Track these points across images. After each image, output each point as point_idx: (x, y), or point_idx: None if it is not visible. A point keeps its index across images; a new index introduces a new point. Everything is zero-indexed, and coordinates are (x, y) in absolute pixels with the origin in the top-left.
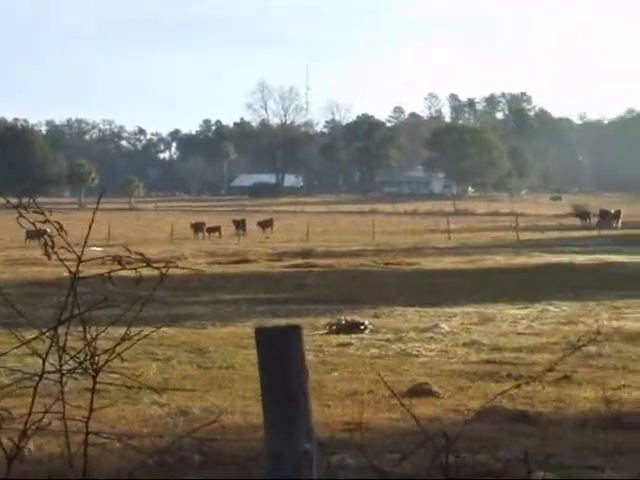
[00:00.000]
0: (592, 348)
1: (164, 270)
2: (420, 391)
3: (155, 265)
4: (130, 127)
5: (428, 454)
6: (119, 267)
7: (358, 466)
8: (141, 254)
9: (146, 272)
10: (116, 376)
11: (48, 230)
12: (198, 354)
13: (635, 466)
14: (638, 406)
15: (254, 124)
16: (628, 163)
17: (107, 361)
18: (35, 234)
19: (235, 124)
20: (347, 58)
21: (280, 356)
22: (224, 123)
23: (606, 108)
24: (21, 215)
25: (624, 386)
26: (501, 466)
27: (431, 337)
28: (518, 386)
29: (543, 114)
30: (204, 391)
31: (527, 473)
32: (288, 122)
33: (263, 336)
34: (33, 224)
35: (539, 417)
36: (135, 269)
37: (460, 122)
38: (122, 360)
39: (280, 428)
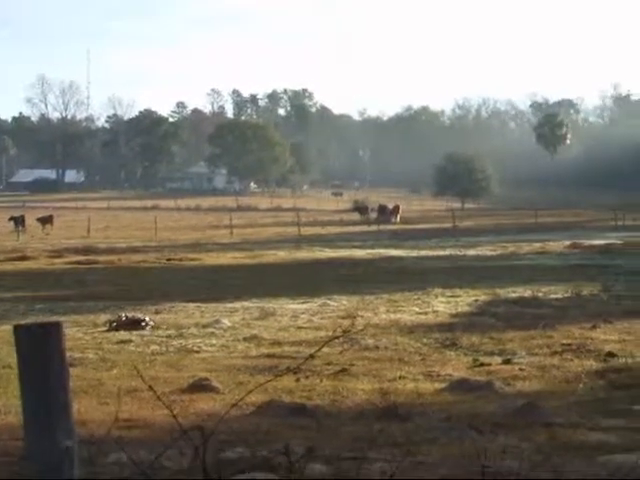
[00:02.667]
0: (370, 341)
1: None
2: (200, 386)
3: None
4: None
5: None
6: None
7: (125, 463)
8: None
9: None
10: None
11: None
12: None
13: (410, 457)
14: (413, 397)
15: (34, 119)
16: (406, 159)
17: None
18: None
19: (14, 118)
20: (130, 53)
21: (39, 353)
22: (2, 117)
23: (385, 105)
24: None
25: (400, 377)
26: (264, 460)
27: (212, 332)
28: (298, 380)
29: (324, 110)
30: None
31: (289, 465)
32: (69, 117)
33: (22, 333)
34: None
35: (317, 410)
36: None
37: (243, 118)
38: None
39: (39, 426)
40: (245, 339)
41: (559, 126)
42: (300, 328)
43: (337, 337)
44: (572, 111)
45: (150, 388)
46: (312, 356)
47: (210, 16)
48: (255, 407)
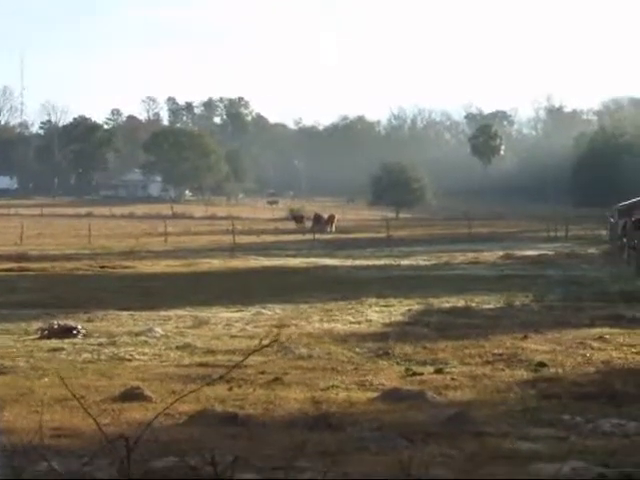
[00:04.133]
0: (303, 350)
1: None
2: (132, 395)
3: None
4: None
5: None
6: None
7: (54, 471)
8: None
9: None
10: None
11: None
12: None
13: (339, 466)
14: (345, 406)
15: None
16: (342, 169)
17: None
18: None
19: None
20: (64, 59)
21: None
22: None
23: (321, 114)
24: None
25: (333, 387)
26: (191, 469)
27: (145, 341)
28: (230, 388)
29: (260, 119)
30: None
31: (216, 475)
32: (2, 123)
33: None
34: None
35: (249, 419)
36: None
37: (178, 126)
38: None
39: None
40: (178, 348)
41: (493, 137)
42: (234, 337)
43: (263, 347)
44: (506, 122)
45: (75, 397)
46: (238, 365)
47: (146, 23)
48: (187, 416)
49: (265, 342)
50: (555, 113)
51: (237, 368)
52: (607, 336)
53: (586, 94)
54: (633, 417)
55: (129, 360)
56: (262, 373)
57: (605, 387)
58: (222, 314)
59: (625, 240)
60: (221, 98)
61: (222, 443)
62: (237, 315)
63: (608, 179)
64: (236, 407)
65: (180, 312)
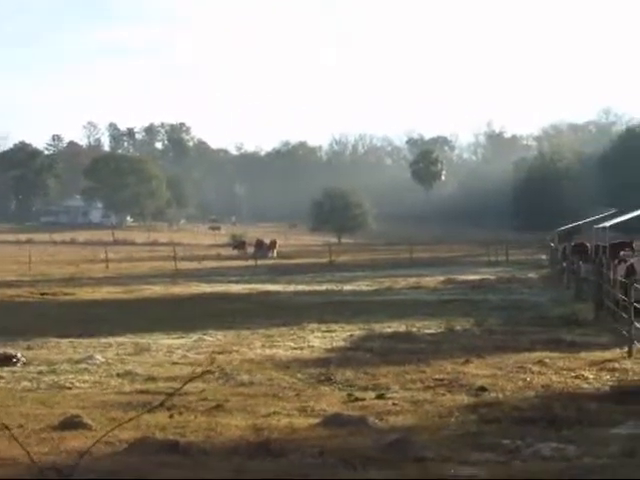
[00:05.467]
0: (245, 376)
1: None
2: (72, 424)
3: None
4: None
5: None
6: None
7: None
8: None
9: None
10: None
11: None
12: None
13: None
14: (287, 432)
15: None
16: (284, 194)
17: None
18: None
19: None
20: (4, 85)
21: None
22: None
23: (263, 140)
24: None
25: (274, 413)
26: None
27: (85, 368)
28: (171, 416)
29: (201, 144)
30: None
31: None
32: None
33: None
34: None
35: (190, 446)
36: None
37: (119, 151)
38: None
39: None
40: (119, 375)
41: (434, 162)
42: (175, 364)
43: (197, 376)
44: (447, 148)
45: (5, 427)
46: (175, 394)
47: (86, 49)
48: (128, 444)
49: (204, 369)
50: (495, 138)
51: (178, 395)
52: (547, 360)
53: (525, 120)
54: (572, 441)
55: (69, 388)
56: (203, 400)
57: (545, 411)
58: (163, 341)
59: (565, 264)
60: (162, 124)
61: (162, 471)
62: (178, 342)
63: (548, 204)
64: (177, 434)
65: (121, 339)
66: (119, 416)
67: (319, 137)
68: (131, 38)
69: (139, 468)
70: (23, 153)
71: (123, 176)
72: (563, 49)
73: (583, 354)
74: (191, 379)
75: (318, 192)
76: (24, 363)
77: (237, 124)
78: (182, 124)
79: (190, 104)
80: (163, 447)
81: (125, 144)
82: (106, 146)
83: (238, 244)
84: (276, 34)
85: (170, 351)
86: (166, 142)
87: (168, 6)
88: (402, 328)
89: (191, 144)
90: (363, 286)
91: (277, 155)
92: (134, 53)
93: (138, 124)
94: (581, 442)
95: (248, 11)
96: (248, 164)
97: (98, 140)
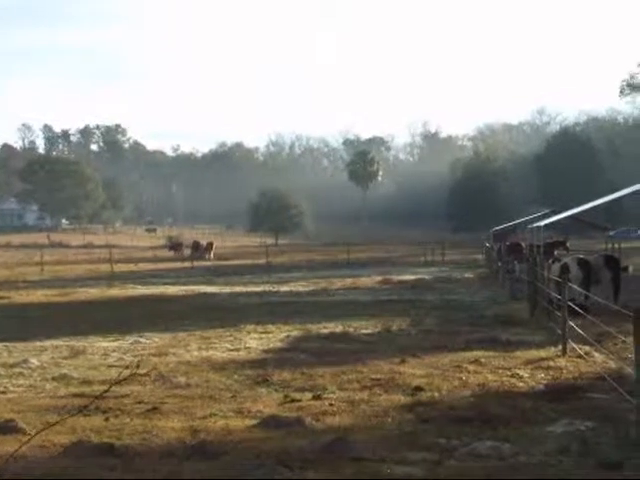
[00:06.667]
0: (181, 378)
1: None
2: (5, 428)
3: None
4: None
5: None
6: None
7: None
8: None
9: None
10: None
11: None
12: None
13: None
14: (223, 434)
15: None
16: (221, 196)
17: None
18: None
19: None
20: None
21: None
22: None
23: (199, 141)
24: None
25: (211, 415)
26: None
27: (20, 372)
28: (106, 419)
29: (137, 146)
30: None
31: None
32: None
33: None
34: None
35: (126, 449)
36: None
37: (54, 154)
38: None
39: None
40: (54, 378)
41: (370, 163)
42: (111, 366)
43: (123, 380)
44: (383, 148)
45: None
46: (99, 397)
47: (20, 50)
48: (63, 448)
49: (131, 372)
50: (431, 139)
51: (114, 398)
52: (483, 359)
53: (461, 120)
54: (508, 439)
55: (3, 392)
56: (140, 403)
57: (481, 410)
58: (99, 344)
59: (500, 264)
60: (98, 125)
61: (97, 474)
62: (114, 344)
63: (483, 204)
64: (113, 438)
65: (56, 342)
66: (54, 420)
67: (256, 138)
68: (65, 39)
69: (74, 471)
70: None
71: (58, 178)
72: (497, 49)
73: (518, 353)
74: (116, 382)
75: (255, 193)
76: None
77: (173, 126)
78: (117, 126)
79: (125, 106)
80: (98, 450)
81: (60, 146)
82: (41, 148)
83: (174, 246)
84: (209, 34)
85: (106, 354)
86: (101, 144)
87: (102, 7)
88: (339, 328)
89: (127, 146)
90: (300, 287)
91: (214, 156)
92: (69, 54)
93: (73, 126)
94: (516, 440)
95: (178, 10)
96: (185, 166)
97: (33, 142)
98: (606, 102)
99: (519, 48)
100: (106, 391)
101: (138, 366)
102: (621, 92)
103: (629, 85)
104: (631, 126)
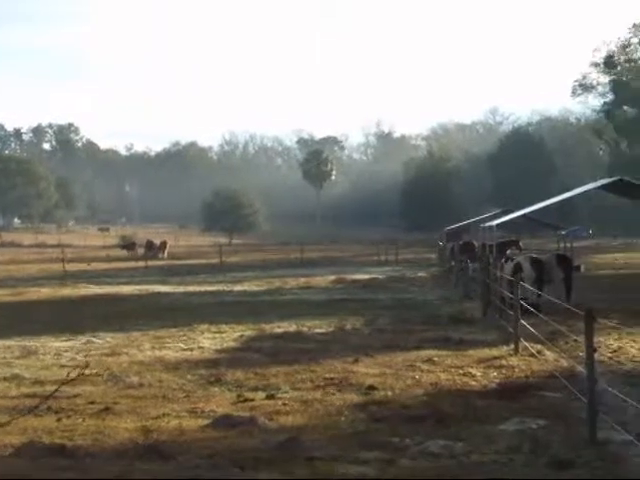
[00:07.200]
0: (134, 378)
1: None
2: None
3: None
4: None
5: None
6: None
7: None
8: None
9: None
10: None
11: None
12: None
13: None
14: (176, 434)
15: None
16: (174, 195)
17: None
18: None
19: None
20: None
21: None
22: None
23: (152, 140)
24: None
25: (163, 415)
26: None
27: None
28: (59, 420)
29: (91, 145)
30: None
31: None
32: None
33: None
34: None
35: (77, 450)
36: None
37: (6, 152)
38: None
39: None
40: (5, 379)
41: (324, 162)
42: (63, 367)
43: (72, 380)
44: (337, 148)
45: None
46: (48, 397)
47: None
48: (13, 449)
49: (79, 372)
50: (384, 138)
51: (66, 398)
52: (435, 358)
53: (414, 120)
54: (460, 438)
55: None
56: (92, 403)
57: (433, 409)
58: (51, 344)
59: (453, 263)
60: (50, 124)
61: (48, 475)
62: (67, 344)
63: (436, 203)
64: (65, 438)
65: (7, 342)
66: (5, 420)
67: (210, 137)
68: (18, 38)
69: (25, 472)
70: None
71: (10, 177)
72: (450, 49)
73: (471, 352)
74: (65, 382)
75: (209, 192)
76: None
77: (127, 125)
78: (70, 125)
79: (78, 105)
80: (50, 451)
81: (12, 145)
82: None
83: (128, 245)
84: (159, 34)
85: (58, 354)
86: (54, 143)
87: (57, 7)
88: (292, 328)
89: (80, 145)
90: (253, 286)
91: (167, 155)
92: (22, 53)
93: (25, 125)
94: (469, 439)
95: (132, 9)
96: (138, 165)
97: None
98: (559, 102)
99: (472, 48)
100: (55, 391)
101: (87, 366)
102: (573, 92)
103: (581, 85)
104: (583, 126)
